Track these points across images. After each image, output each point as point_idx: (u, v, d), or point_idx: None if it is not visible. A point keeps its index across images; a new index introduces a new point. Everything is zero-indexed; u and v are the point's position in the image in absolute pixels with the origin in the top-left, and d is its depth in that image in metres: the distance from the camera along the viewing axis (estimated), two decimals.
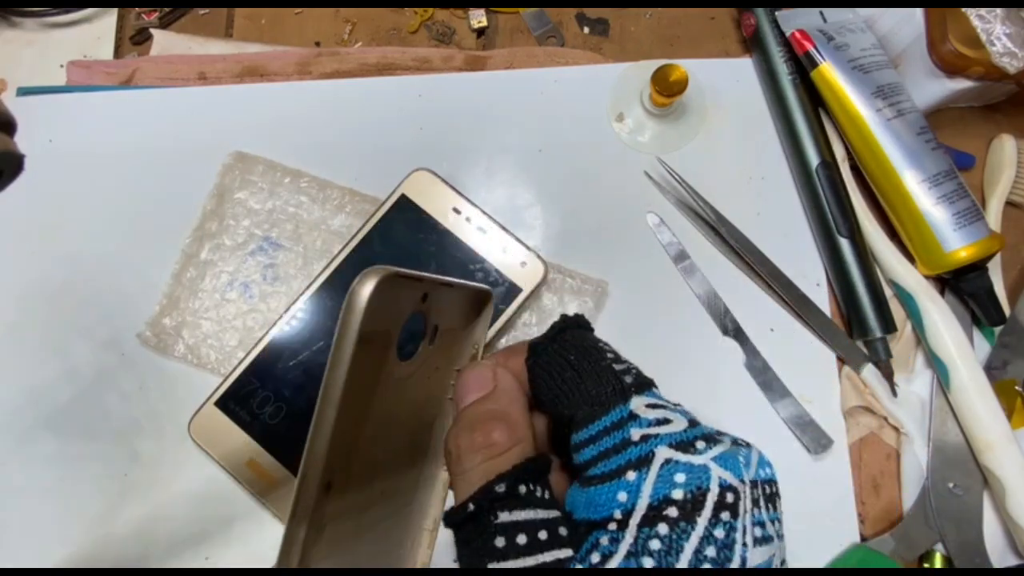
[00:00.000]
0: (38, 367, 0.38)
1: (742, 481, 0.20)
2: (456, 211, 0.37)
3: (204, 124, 0.41)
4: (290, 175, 0.40)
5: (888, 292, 0.38)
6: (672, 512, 0.20)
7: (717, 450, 0.21)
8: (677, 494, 0.20)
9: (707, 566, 0.19)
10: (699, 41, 0.45)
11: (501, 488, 0.21)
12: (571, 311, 0.38)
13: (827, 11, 0.40)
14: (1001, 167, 0.40)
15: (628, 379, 0.23)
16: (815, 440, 0.36)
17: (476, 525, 0.21)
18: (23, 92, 0.42)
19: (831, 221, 0.38)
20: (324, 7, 0.46)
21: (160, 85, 0.43)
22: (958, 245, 0.36)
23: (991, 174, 0.41)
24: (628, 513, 0.20)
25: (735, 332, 0.38)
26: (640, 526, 0.20)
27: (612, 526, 0.20)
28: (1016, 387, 0.36)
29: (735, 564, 0.19)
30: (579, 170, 0.41)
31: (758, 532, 0.20)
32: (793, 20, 0.40)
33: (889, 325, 0.37)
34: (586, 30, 0.45)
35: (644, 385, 0.23)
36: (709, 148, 0.41)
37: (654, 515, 0.20)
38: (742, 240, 0.39)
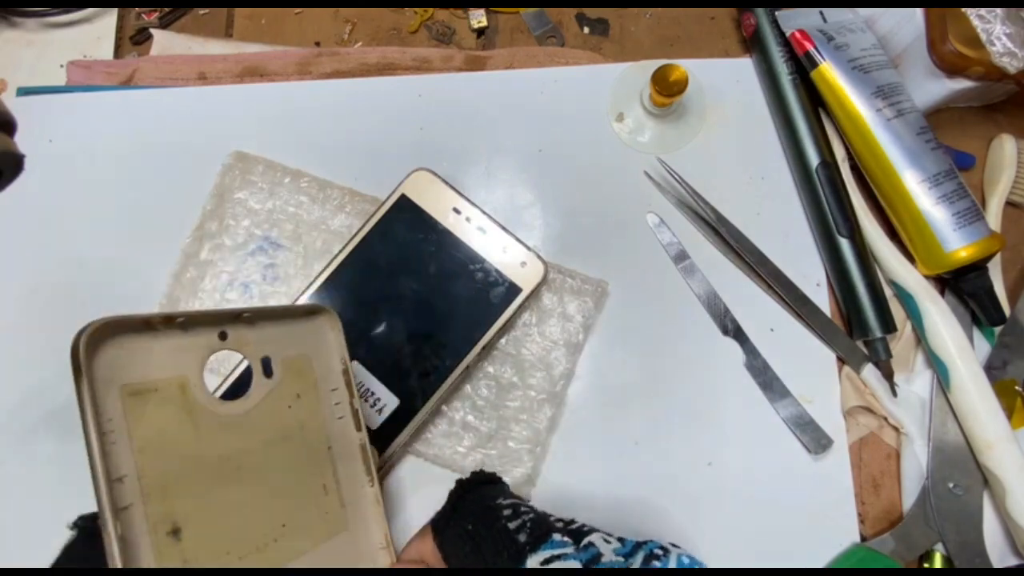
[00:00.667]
0: (38, 367, 0.38)
1: None
2: (456, 211, 0.36)
3: (204, 124, 0.41)
4: (290, 175, 0.40)
5: (888, 292, 0.38)
6: None
7: None
8: None
9: None
10: (699, 41, 0.45)
11: None
12: (571, 311, 0.38)
13: (827, 11, 0.40)
14: (1001, 167, 0.40)
15: (522, 537, 0.24)
16: (815, 440, 0.36)
17: None
18: (23, 92, 0.42)
19: (831, 221, 0.38)
20: (324, 7, 0.46)
21: (160, 85, 0.43)
22: (958, 245, 0.35)
23: (991, 174, 0.41)
24: None
25: (735, 332, 0.38)
26: None
27: None
28: (1016, 387, 0.36)
29: None
30: (579, 170, 0.41)
31: None
32: (793, 20, 0.40)
33: (889, 325, 0.37)
34: (586, 30, 0.45)
35: (541, 538, 0.24)
36: (709, 148, 0.41)
37: None
38: (742, 240, 0.39)
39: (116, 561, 0.18)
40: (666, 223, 0.40)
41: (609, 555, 0.24)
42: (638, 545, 0.25)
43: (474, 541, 0.25)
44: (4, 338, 0.38)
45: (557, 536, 0.24)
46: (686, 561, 0.24)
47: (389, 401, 0.34)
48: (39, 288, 0.39)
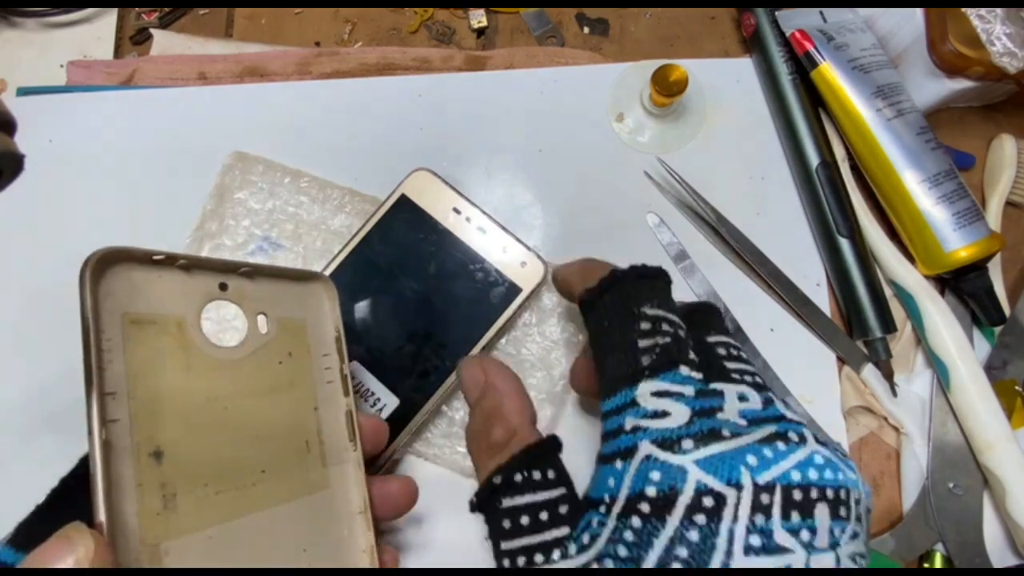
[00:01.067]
0: (39, 367, 0.38)
1: (738, 485, 0.19)
2: (456, 211, 0.36)
3: (204, 124, 0.41)
4: (290, 175, 0.40)
5: (888, 292, 0.38)
6: (644, 508, 0.20)
7: (711, 450, 0.20)
8: (650, 491, 0.20)
9: (677, 566, 0.19)
10: (699, 41, 0.45)
11: (497, 480, 0.23)
12: (572, 311, 0.38)
13: (827, 11, 0.40)
14: (1001, 167, 0.40)
15: (646, 360, 0.23)
16: None
17: (487, 512, 0.23)
18: (23, 92, 0.42)
19: (831, 221, 0.38)
20: (324, 7, 0.46)
21: (160, 85, 0.43)
22: (958, 245, 0.36)
23: (991, 174, 0.41)
24: (613, 499, 0.21)
25: (735, 332, 0.38)
26: (619, 515, 0.20)
27: (602, 508, 0.21)
28: (1016, 387, 0.36)
29: (715, 563, 0.19)
30: (579, 170, 0.41)
31: (756, 541, 0.19)
32: (793, 20, 0.40)
33: (889, 325, 0.37)
34: (586, 30, 0.45)
35: (665, 366, 0.22)
36: (709, 148, 0.41)
37: (630, 508, 0.20)
38: (742, 240, 0.39)
39: (97, 467, 0.19)
40: (666, 223, 0.40)
41: (728, 414, 0.21)
42: (771, 420, 0.22)
43: (607, 339, 0.24)
44: (4, 338, 0.38)
45: (684, 370, 0.22)
46: (818, 461, 0.20)
47: (389, 401, 0.34)
48: (39, 288, 0.39)
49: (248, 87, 0.42)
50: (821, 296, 0.39)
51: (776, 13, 0.40)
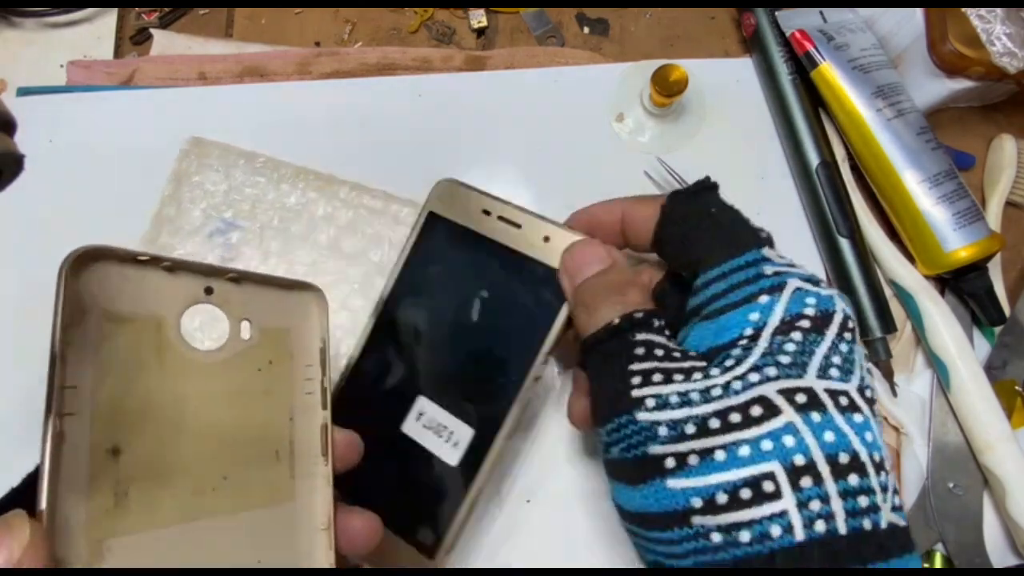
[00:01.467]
0: (38, 367, 0.38)
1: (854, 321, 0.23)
2: (486, 212, 0.32)
3: (204, 124, 0.41)
4: (245, 157, 0.40)
5: (888, 292, 0.38)
6: (804, 323, 0.22)
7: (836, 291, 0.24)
8: (809, 311, 0.22)
9: (833, 372, 0.21)
10: (699, 41, 0.45)
11: (640, 314, 0.24)
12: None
13: (827, 11, 0.40)
14: (1001, 167, 0.40)
15: (763, 233, 0.26)
16: None
17: (618, 340, 0.24)
18: (23, 92, 0.42)
19: (831, 221, 0.38)
20: (324, 7, 0.46)
21: (160, 85, 0.43)
22: (958, 245, 0.36)
23: (991, 174, 0.41)
24: (759, 328, 0.22)
25: None
26: (774, 335, 0.22)
27: (742, 342, 0.23)
28: (1016, 387, 0.36)
29: (855, 381, 0.22)
30: (579, 170, 0.41)
31: (866, 364, 0.23)
32: (793, 20, 0.40)
33: (889, 325, 0.37)
34: (586, 30, 0.45)
35: (770, 240, 0.26)
36: (709, 148, 0.41)
37: (788, 326, 0.22)
38: None
39: (46, 457, 0.19)
40: None
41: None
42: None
43: (714, 220, 0.26)
44: (4, 338, 0.38)
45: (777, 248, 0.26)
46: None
47: (463, 433, 0.31)
48: (39, 288, 0.39)
49: (248, 87, 0.42)
50: None
51: (776, 13, 0.40)
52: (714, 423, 0.21)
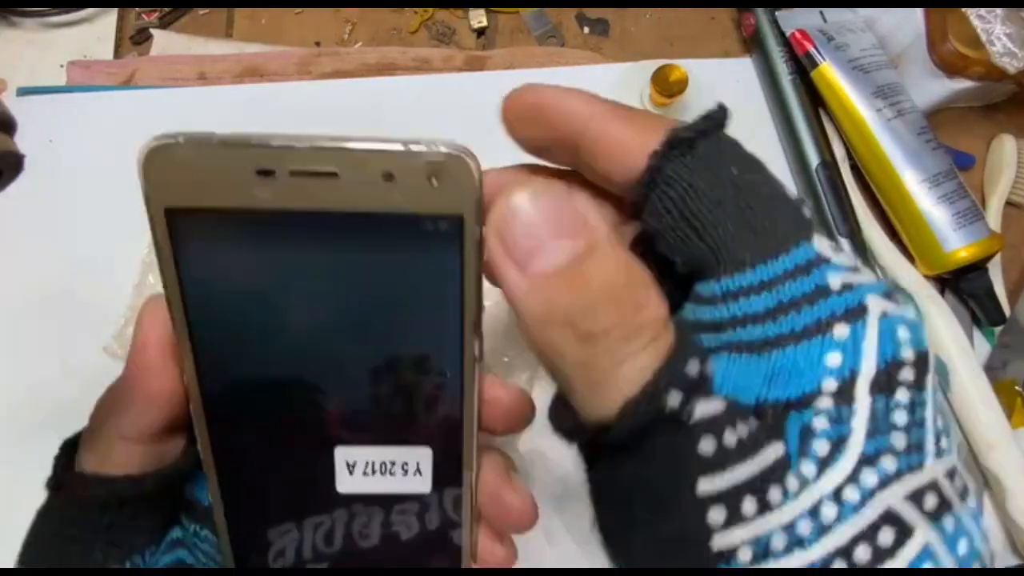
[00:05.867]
0: (38, 366, 0.38)
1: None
2: (267, 173, 0.20)
3: (204, 124, 0.41)
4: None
5: None
6: (907, 375, 0.15)
7: (903, 302, 0.16)
8: (907, 354, 0.15)
9: (943, 444, 0.15)
10: (699, 41, 0.45)
11: (694, 371, 0.14)
12: None
13: (827, 11, 0.40)
14: (1001, 167, 0.40)
15: (806, 211, 0.17)
16: None
17: (667, 432, 0.14)
18: (23, 92, 0.42)
19: (831, 221, 0.38)
20: (324, 7, 0.46)
21: (160, 85, 0.43)
22: (958, 245, 0.35)
23: (991, 174, 0.41)
24: (848, 381, 0.15)
25: None
26: (874, 395, 0.15)
27: (825, 402, 0.15)
28: (1016, 387, 0.36)
29: (954, 444, 0.16)
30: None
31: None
32: (793, 20, 0.40)
33: None
34: (586, 30, 0.45)
35: (813, 223, 0.17)
36: None
37: (887, 381, 0.15)
38: None
39: None
40: None
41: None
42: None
43: (738, 190, 0.17)
44: (3, 337, 0.38)
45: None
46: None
47: (418, 455, 0.22)
48: (39, 287, 0.39)
49: (248, 87, 0.42)
50: None
51: (776, 13, 0.40)
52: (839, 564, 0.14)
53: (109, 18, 0.45)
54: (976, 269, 0.36)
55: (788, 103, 0.40)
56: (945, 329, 0.36)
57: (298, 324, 0.20)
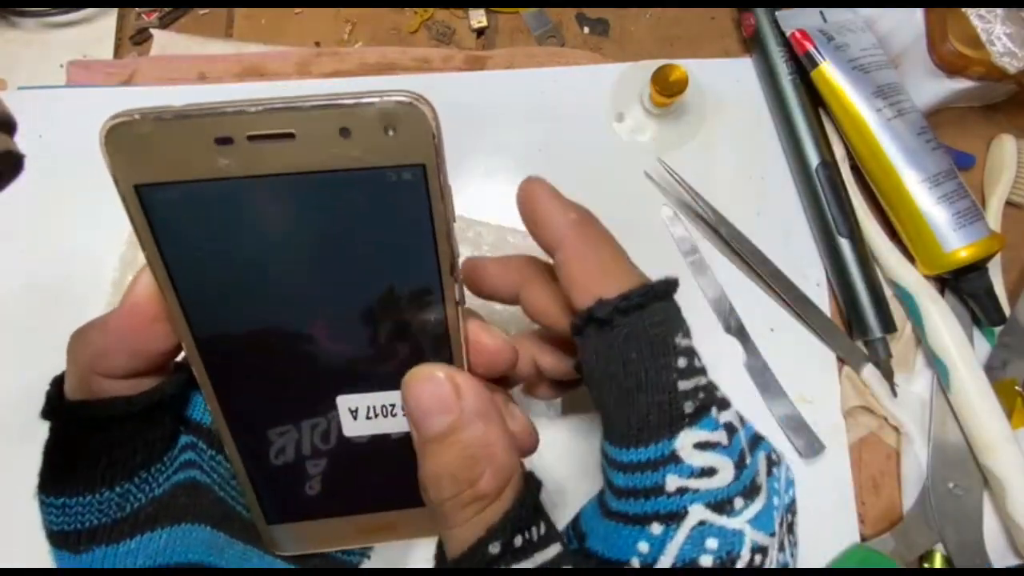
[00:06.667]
0: (36, 365, 0.38)
1: (772, 535, 0.19)
2: (225, 141, 0.19)
3: None
4: None
5: (888, 292, 0.38)
6: None
7: (755, 508, 0.19)
8: (706, 560, 0.18)
9: None
10: (699, 41, 0.45)
11: (496, 549, 0.18)
12: None
13: (827, 11, 0.40)
14: (1001, 167, 0.40)
15: (688, 405, 0.19)
16: (808, 444, 0.36)
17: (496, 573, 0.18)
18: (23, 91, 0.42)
19: (831, 221, 0.38)
20: (324, 7, 0.46)
21: (160, 85, 0.43)
22: (958, 245, 0.36)
23: (991, 174, 0.41)
24: (647, 566, 0.19)
25: (737, 330, 0.38)
26: None
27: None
28: (1016, 387, 0.36)
29: None
30: (579, 170, 0.41)
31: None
32: (793, 20, 0.40)
33: (889, 325, 0.37)
34: (586, 30, 0.45)
35: (704, 409, 0.20)
36: (709, 148, 0.41)
37: None
38: (742, 240, 0.39)
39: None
40: (680, 216, 0.40)
41: (747, 452, 0.20)
42: (755, 439, 0.22)
43: (633, 377, 0.19)
44: (3, 337, 0.38)
45: (714, 412, 0.20)
46: (791, 471, 0.21)
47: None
48: (38, 286, 0.39)
49: (248, 87, 0.42)
50: (821, 296, 0.39)
51: (776, 13, 0.40)
52: None
53: (109, 18, 0.45)
54: (976, 269, 0.36)
55: (788, 103, 0.40)
56: (945, 329, 0.36)
57: (277, 278, 0.21)
